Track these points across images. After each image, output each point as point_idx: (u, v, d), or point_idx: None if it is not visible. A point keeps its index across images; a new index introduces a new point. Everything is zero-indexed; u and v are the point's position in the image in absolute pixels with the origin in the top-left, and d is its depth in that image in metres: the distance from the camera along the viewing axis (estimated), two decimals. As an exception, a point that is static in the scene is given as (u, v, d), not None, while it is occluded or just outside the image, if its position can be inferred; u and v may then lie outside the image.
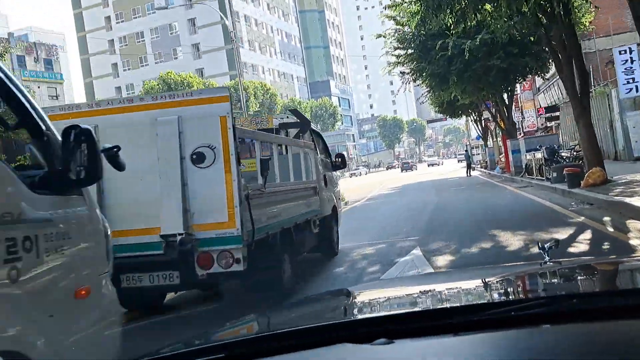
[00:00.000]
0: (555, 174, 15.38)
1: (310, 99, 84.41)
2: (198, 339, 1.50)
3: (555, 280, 1.74)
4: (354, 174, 71.93)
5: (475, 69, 23.18)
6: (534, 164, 18.91)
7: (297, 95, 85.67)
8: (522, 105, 56.34)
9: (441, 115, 50.56)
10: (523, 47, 22.47)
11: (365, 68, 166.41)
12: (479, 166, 47.03)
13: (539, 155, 18.07)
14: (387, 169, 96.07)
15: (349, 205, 19.25)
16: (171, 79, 48.72)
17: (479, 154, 59.00)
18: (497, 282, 1.78)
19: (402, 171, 68.36)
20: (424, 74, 25.10)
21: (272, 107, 61.21)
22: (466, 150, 39.12)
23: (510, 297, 1.59)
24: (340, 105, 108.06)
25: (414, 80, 26.32)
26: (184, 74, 50.00)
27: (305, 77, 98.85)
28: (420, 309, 1.45)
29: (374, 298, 1.82)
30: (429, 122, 70.85)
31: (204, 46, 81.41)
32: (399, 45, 25.82)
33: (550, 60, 24.21)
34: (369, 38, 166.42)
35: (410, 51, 25.47)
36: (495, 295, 1.61)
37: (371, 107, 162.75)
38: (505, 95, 27.42)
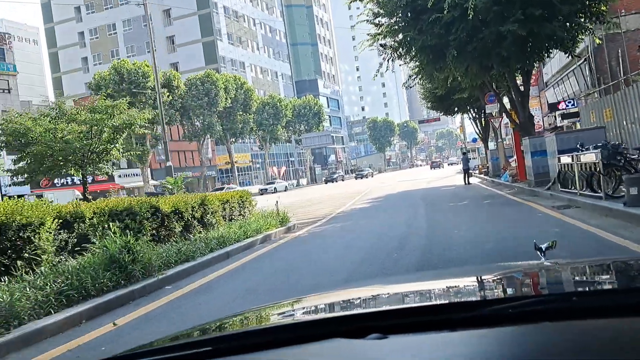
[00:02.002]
0: (634, 190, 8.57)
1: (294, 97, 77.51)
2: (186, 333, 1.48)
3: (552, 278, 1.71)
4: (333, 179, 64.81)
5: (483, 39, 16.44)
6: (577, 172, 12.06)
7: (282, 94, 78.77)
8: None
9: (434, 112, 44.07)
10: (549, 6, 15.73)
11: (357, 69, 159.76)
12: (476, 172, 40.28)
13: (588, 157, 11.21)
14: (410, 167, 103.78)
15: (292, 233, 12.42)
16: (124, 69, 41.73)
17: (475, 157, 52.31)
18: (492, 280, 1.75)
19: (431, 169, 75.51)
20: (412, 47, 18.27)
21: (247, 104, 54.25)
22: (464, 153, 32.27)
23: (505, 294, 1.54)
24: (329, 106, 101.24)
25: (399, 57, 19.43)
26: (138, 62, 43.00)
27: (291, 75, 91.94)
28: (414, 305, 1.41)
29: (368, 294, 1.79)
30: (420, 122, 64.19)
31: (179, 39, 74.54)
32: (380, 11, 18.96)
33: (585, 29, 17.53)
34: (360, 37, 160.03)
35: (394, 19, 18.65)
36: (491, 292, 1.58)
37: (363, 109, 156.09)
38: (518, 80, 20.66)
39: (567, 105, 35.25)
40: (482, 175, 34.20)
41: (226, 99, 50.24)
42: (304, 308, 1.72)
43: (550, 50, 18.97)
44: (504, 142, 29.12)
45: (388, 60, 19.09)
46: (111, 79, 41.80)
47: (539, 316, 1.09)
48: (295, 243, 10.98)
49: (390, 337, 1.09)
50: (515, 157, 21.30)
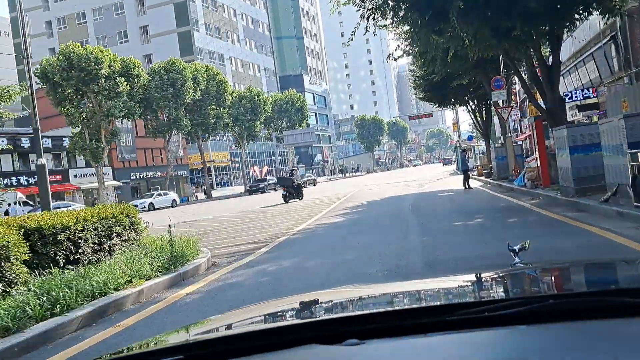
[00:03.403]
0: None
1: (277, 92, 71.99)
2: (156, 340, 1.44)
3: (527, 281, 1.70)
4: (258, 188, 47.64)
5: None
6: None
7: (265, 89, 73.23)
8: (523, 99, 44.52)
9: (426, 107, 38.84)
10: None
11: (346, 67, 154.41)
12: (474, 173, 35.11)
13: None
14: (400, 167, 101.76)
15: (181, 289, 6.94)
16: (74, 54, 36.07)
17: (471, 157, 47.11)
18: (468, 284, 1.74)
19: (443, 165, 77.28)
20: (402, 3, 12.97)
21: (219, 97, 48.67)
22: (463, 151, 27.00)
23: (481, 297, 1.53)
24: (315, 103, 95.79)
25: (384, 16, 14.05)
26: (90, 47, 37.34)
27: (274, 69, 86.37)
28: (391, 309, 1.40)
29: (344, 299, 1.77)
30: (411, 118, 59.04)
31: (153, 29, 68.83)
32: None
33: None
34: (349, 35, 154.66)
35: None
36: (467, 296, 1.58)
37: (351, 107, 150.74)
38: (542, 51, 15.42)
39: (582, 96, 29.78)
40: (482, 178, 29.02)
41: (195, 90, 44.61)
42: (277, 313, 1.65)
43: (590, 9, 13.63)
44: (512, 138, 23.83)
45: (368, 19, 13.68)
46: (59, 65, 36.13)
47: (514, 319, 1.09)
48: (156, 321, 5.53)
49: (366, 342, 1.06)
50: (536, 155, 16.02)
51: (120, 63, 38.91)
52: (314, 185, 52.85)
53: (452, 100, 30.75)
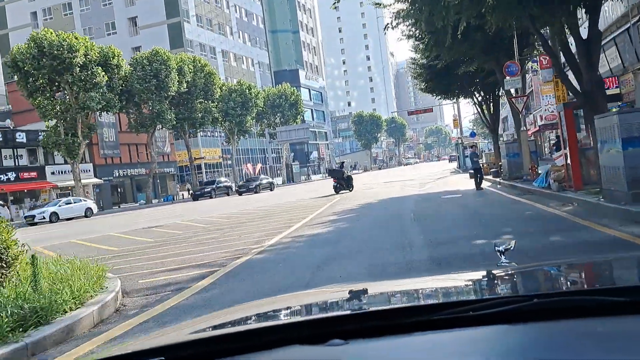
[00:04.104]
0: None
1: (271, 86, 68.95)
2: (139, 342, 1.44)
3: (512, 280, 1.69)
4: (204, 193, 42.64)
5: None
6: None
7: (259, 84, 70.18)
8: (538, 90, 41.56)
9: (427, 100, 35.82)
10: None
11: (344, 63, 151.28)
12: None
13: None
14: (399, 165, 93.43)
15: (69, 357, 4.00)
16: (46, 40, 33.05)
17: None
18: (453, 284, 1.73)
19: (449, 162, 71.37)
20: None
21: (207, 90, 45.65)
22: (472, 146, 24.05)
23: (466, 297, 1.52)
24: (311, 99, 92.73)
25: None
26: (64, 34, 34.31)
27: (269, 63, 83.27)
28: (375, 309, 1.37)
29: (328, 298, 1.76)
30: (410, 113, 55.96)
31: (142, 20, 65.69)
32: None
33: None
34: (347, 30, 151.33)
35: None
36: (451, 296, 1.55)
37: (349, 104, 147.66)
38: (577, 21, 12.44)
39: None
40: (489, 177, 26.10)
41: (180, 82, 41.56)
42: (261, 313, 1.61)
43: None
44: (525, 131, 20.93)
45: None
46: (29, 53, 33.12)
47: (497, 318, 1.08)
48: None
49: (350, 342, 1.06)
50: (565, 151, 13.08)
51: (97, 52, 35.89)
52: (271, 190, 43.75)
53: (456, 91, 27.82)
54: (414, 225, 10.91)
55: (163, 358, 1.11)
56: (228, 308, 1.85)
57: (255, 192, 42.00)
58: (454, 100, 28.48)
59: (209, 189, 42.41)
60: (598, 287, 1.44)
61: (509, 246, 1.94)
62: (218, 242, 11.52)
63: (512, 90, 20.13)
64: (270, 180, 47.34)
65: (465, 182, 25.73)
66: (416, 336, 1.07)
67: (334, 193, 25.60)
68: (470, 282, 1.69)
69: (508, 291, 1.54)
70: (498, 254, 1.91)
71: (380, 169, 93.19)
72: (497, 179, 22.95)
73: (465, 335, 1.06)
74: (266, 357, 1.07)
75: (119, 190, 47.77)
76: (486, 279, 1.72)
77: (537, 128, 43.02)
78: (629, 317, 1.06)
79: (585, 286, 1.55)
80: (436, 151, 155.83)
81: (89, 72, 34.46)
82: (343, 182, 25.95)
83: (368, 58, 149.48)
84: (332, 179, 26.64)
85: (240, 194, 42.67)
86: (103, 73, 35.36)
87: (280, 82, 79.23)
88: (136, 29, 66.29)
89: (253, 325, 1.38)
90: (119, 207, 40.63)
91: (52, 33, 33.85)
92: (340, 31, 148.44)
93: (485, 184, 22.81)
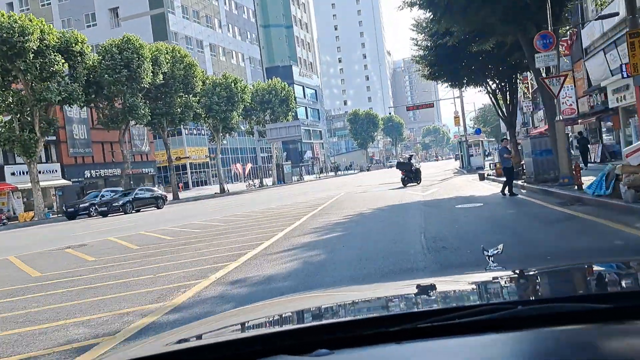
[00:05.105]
0: None
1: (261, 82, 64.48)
2: (124, 350, 1.42)
3: (499, 287, 1.66)
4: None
5: None
6: None
7: (250, 81, 65.72)
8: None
9: (426, 96, 31.33)
10: None
11: (340, 61, 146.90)
12: (488, 173, 27.89)
13: None
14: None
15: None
16: (-6, 22, 28.64)
17: (479, 154, 39.93)
18: (440, 290, 1.68)
19: (455, 160, 68.18)
20: None
21: (188, 83, 41.20)
22: (503, 140, 19.36)
23: (453, 304, 1.50)
24: (305, 97, 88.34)
25: None
26: (15, 15, 29.87)
27: (260, 59, 78.82)
28: (361, 317, 1.35)
29: (314, 306, 1.68)
30: (409, 108, 51.58)
31: (124, 11, 61.21)
32: None
33: None
34: (343, 28, 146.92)
35: None
36: (437, 303, 1.54)
37: (345, 103, 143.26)
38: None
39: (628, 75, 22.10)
40: (503, 179, 21.75)
41: (155, 73, 37.09)
42: (247, 322, 1.55)
43: None
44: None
45: None
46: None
47: (483, 326, 1.07)
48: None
49: (336, 352, 1.04)
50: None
51: (57, 37, 31.44)
52: (158, 207, 31.05)
53: (465, 79, 23.46)
54: (429, 260, 6.60)
55: None
56: (213, 316, 1.74)
57: (125, 212, 28.93)
58: (463, 88, 24.11)
59: (109, 202, 29.77)
60: (583, 294, 1.42)
61: (497, 250, 1.89)
62: (133, 275, 7.12)
63: (544, 69, 15.76)
64: (159, 193, 32.96)
65: (476, 186, 21.38)
66: (403, 345, 1.05)
67: (402, 186, 24.72)
68: (458, 289, 1.65)
69: (494, 298, 1.51)
70: (487, 258, 1.86)
71: (368, 169, 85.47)
72: (519, 182, 18.60)
73: (452, 343, 1.04)
74: None
75: (91, 192, 43.27)
76: (474, 285, 1.68)
77: (546, 127, 38.57)
78: (614, 323, 1.04)
79: (571, 293, 1.52)
80: (434, 151, 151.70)
81: (46, 59, 30.02)
82: (411, 175, 25.60)
83: (364, 56, 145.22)
84: (400, 171, 26.28)
85: (91, 215, 30.72)
86: (63, 61, 30.92)
87: (272, 78, 74.93)
88: (117, 21, 61.80)
89: (239, 334, 1.32)
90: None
91: (2, 14, 29.40)
92: (336, 28, 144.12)
93: (496, 189, 18.54)
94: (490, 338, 1.04)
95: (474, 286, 1.66)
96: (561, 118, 15.12)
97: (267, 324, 1.49)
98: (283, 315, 1.58)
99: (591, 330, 1.04)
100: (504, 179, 23.07)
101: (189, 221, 17.87)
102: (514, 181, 19.28)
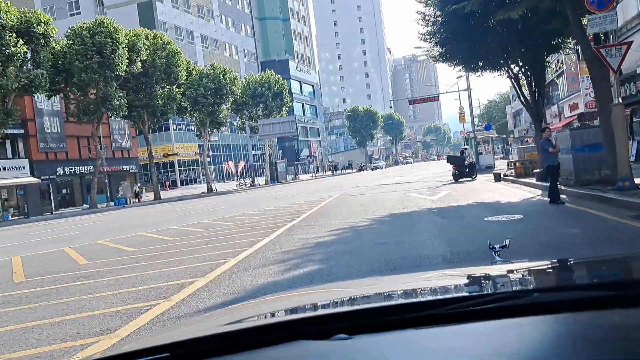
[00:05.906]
0: None
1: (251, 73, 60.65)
2: (145, 339, 1.42)
3: (510, 277, 1.69)
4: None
5: None
6: None
7: (242, 75, 61.94)
8: (572, 71, 33.54)
9: (426, 95, 27.66)
10: None
11: (339, 57, 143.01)
12: (504, 171, 24.21)
13: None
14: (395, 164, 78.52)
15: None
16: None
17: (488, 152, 36.17)
18: (453, 280, 1.75)
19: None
20: None
21: (170, 72, 37.44)
22: (543, 130, 15.28)
23: (466, 293, 1.50)
24: (302, 92, 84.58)
25: None
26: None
27: (255, 52, 75.06)
28: (378, 305, 1.38)
29: (333, 295, 1.76)
30: (411, 102, 47.90)
31: (109, -1, 57.48)
32: None
33: None
34: (343, 24, 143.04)
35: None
36: (452, 292, 1.54)
37: (344, 101, 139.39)
38: None
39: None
40: (527, 181, 18.06)
41: (133, 60, 33.36)
42: (267, 310, 1.62)
43: None
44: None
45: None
46: None
47: (497, 313, 1.10)
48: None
49: (354, 337, 1.07)
50: None
51: (15, 16, 27.74)
52: None
53: (481, 62, 19.71)
54: None
55: (168, 354, 1.11)
56: (232, 306, 1.80)
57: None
58: (479, 73, 20.41)
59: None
60: (597, 282, 1.46)
61: (504, 245, 1.96)
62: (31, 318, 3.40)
63: (603, 34, 12.02)
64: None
65: (495, 188, 17.67)
66: (419, 330, 1.09)
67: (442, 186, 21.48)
68: (471, 279, 1.70)
69: (506, 287, 1.56)
70: (493, 252, 1.91)
71: (361, 170, 76.96)
72: (538, 183, 14.86)
73: (466, 329, 1.08)
74: (273, 352, 1.07)
75: (64, 191, 39.54)
76: (486, 276, 1.73)
77: (564, 121, 34.75)
78: (621, 310, 1.08)
79: (581, 282, 1.57)
80: (434, 150, 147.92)
81: (1, 41, 26.31)
82: (464, 170, 24.25)
83: (364, 53, 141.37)
84: (452, 165, 25.18)
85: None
86: (22, 42, 27.20)
87: (265, 70, 71.12)
88: (102, 9, 57.98)
89: (260, 321, 1.37)
90: (51, 213, 32.38)
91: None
92: (335, 24, 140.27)
93: (523, 193, 14.81)
94: (503, 324, 1.07)
95: (486, 277, 1.69)
96: (618, 101, 11.38)
97: (288, 312, 1.50)
98: (303, 304, 1.61)
99: (602, 317, 1.07)
100: (526, 179, 19.47)
101: (113, 236, 14.12)
102: (541, 182, 15.56)
